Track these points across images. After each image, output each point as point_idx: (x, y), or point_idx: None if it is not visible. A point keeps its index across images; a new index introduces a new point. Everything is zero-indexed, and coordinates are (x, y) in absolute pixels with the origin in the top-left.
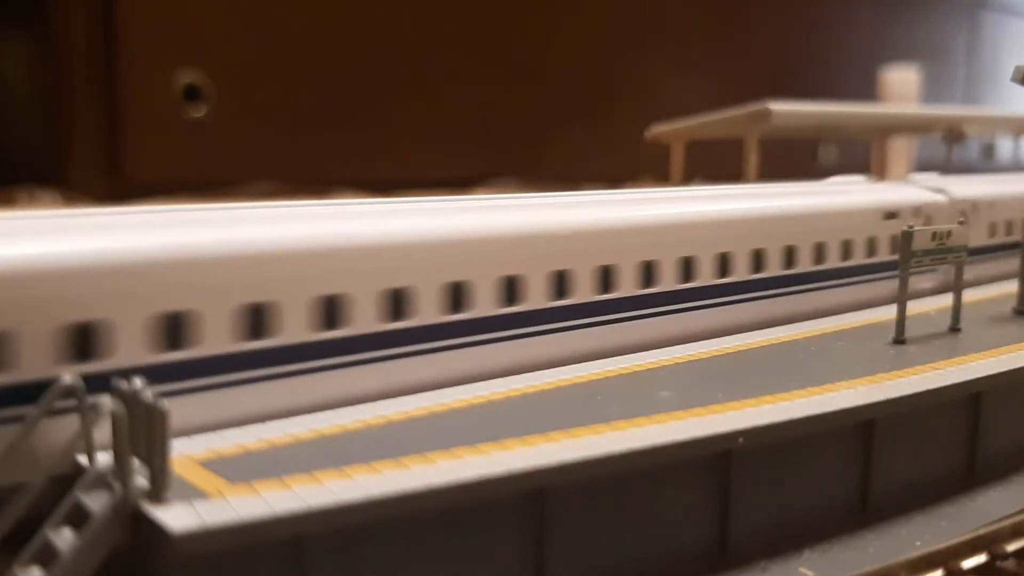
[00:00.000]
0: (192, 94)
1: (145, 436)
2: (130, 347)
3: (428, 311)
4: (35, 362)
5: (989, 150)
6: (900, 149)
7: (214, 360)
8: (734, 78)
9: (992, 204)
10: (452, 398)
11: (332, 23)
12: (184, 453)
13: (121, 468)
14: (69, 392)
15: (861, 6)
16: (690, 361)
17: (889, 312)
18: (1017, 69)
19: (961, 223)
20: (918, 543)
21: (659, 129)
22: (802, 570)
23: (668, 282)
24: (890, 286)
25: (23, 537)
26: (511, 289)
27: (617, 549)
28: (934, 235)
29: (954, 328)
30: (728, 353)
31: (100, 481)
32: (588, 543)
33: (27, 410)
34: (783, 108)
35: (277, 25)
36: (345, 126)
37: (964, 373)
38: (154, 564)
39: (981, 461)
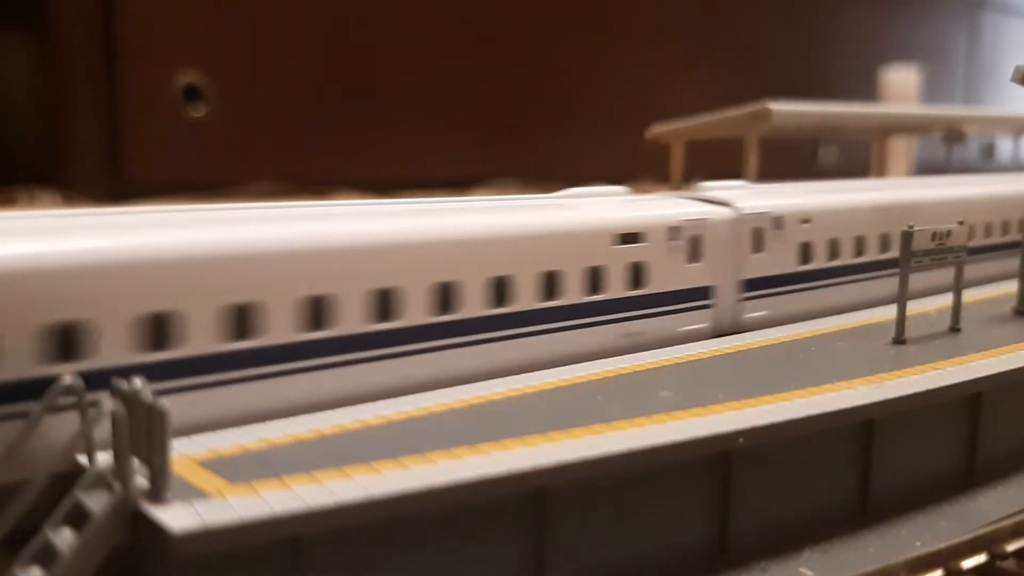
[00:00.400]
0: (192, 94)
1: (145, 436)
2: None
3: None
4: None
5: (989, 150)
6: (900, 149)
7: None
8: (734, 78)
9: (808, 220)
10: (452, 398)
11: (332, 23)
12: (184, 453)
13: (121, 468)
14: (69, 391)
15: (861, 6)
16: (690, 361)
17: (889, 312)
18: (1017, 69)
19: (960, 223)
20: (918, 543)
21: (659, 129)
22: (802, 570)
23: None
24: (621, 330)
25: (23, 537)
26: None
27: (617, 549)
28: (934, 235)
29: (954, 328)
30: (728, 353)
31: (100, 481)
32: (588, 543)
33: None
34: (783, 108)
35: (277, 25)
36: (345, 126)
37: (964, 373)
38: (154, 564)
39: (981, 461)
